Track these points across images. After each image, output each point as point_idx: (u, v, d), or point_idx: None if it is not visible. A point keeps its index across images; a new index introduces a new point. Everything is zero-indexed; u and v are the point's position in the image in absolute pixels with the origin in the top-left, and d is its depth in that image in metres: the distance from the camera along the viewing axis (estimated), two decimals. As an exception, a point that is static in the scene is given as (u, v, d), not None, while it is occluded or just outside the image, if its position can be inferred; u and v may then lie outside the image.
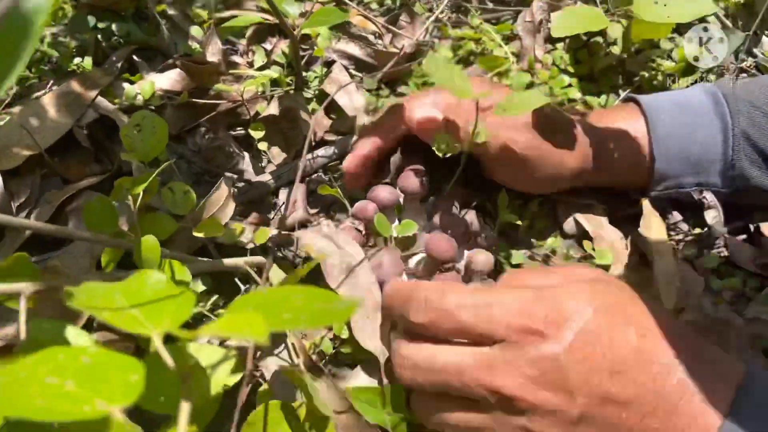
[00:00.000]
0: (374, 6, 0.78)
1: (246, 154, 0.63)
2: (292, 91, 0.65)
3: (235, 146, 0.63)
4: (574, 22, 0.46)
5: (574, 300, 0.37)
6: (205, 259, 0.49)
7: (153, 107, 0.62)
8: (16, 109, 0.60)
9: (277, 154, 0.63)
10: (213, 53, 0.68)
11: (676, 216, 0.56)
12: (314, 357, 0.49)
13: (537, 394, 0.35)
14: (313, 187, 0.61)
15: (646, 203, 0.55)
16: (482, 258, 0.49)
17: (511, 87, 0.67)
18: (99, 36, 0.67)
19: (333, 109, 0.65)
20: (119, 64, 0.66)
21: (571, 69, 0.69)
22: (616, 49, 0.68)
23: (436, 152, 0.50)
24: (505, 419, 0.36)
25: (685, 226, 0.57)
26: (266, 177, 0.60)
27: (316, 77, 0.68)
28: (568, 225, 0.58)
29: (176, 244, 0.52)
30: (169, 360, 0.21)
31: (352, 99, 0.64)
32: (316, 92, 0.67)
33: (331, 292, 0.28)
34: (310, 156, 0.61)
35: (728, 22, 0.72)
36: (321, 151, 0.62)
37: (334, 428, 0.38)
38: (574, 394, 0.35)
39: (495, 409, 0.36)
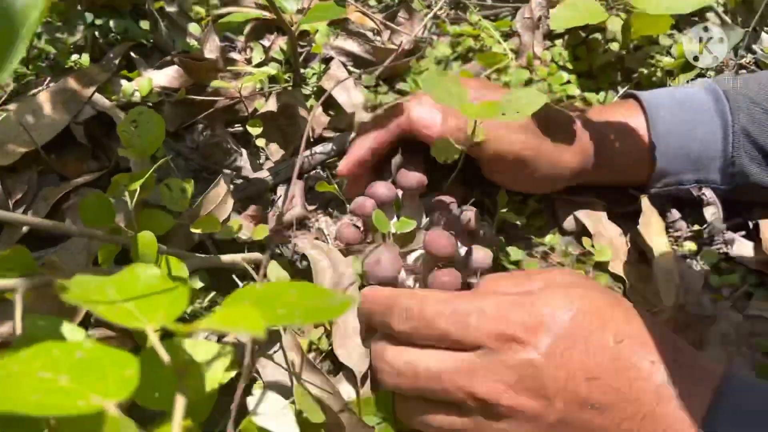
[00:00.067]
0: (372, 2, 0.78)
1: (244, 151, 0.63)
2: (290, 88, 0.65)
3: (232, 143, 0.63)
4: (573, 14, 0.46)
5: (551, 306, 0.37)
6: (203, 255, 0.49)
7: (150, 104, 0.62)
8: (13, 106, 0.60)
9: (275, 151, 0.63)
10: (211, 50, 0.68)
11: (675, 213, 0.56)
12: (311, 355, 0.49)
13: (515, 400, 0.35)
14: (311, 183, 0.61)
15: (644, 200, 0.55)
16: (481, 255, 0.49)
17: (509, 84, 0.67)
18: (96, 33, 0.67)
19: (331, 105, 0.65)
20: (117, 61, 0.65)
21: (569, 66, 0.69)
22: (614, 46, 0.68)
23: (437, 159, 0.49)
24: (486, 423, 0.37)
25: (684, 224, 0.56)
26: (264, 174, 0.60)
27: (314, 74, 0.68)
28: (568, 222, 0.58)
29: (173, 241, 0.52)
30: (164, 355, 0.21)
31: (351, 96, 0.64)
32: (315, 89, 0.67)
33: (325, 288, 0.28)
34: (308, 153, 0.61)
35: (727, 19, 0.72)
36: (319, 148, 0.61)
37: None
38: (552, 399, 0.35)
39: (476, 414, 0.37)
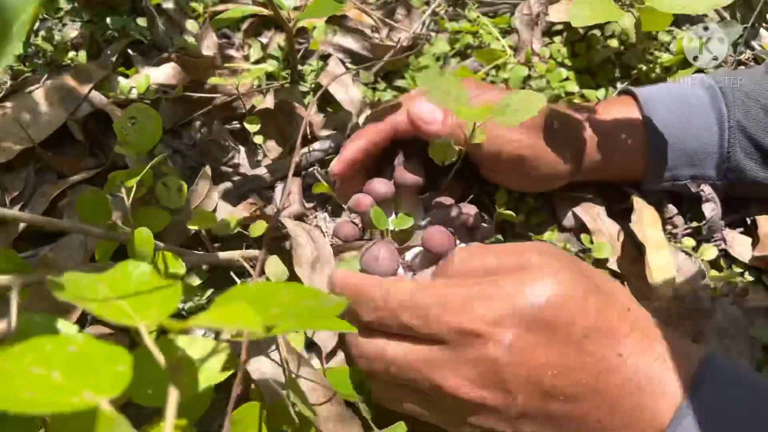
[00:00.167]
0: (371, -1, 0.78)
1: (242, 148, 0.63)
2: (287, 85, 0.64)
3: (230, 140, 0.62)
4: (592, 13, 0.46)
5: (516, 299, 0.36)
6: (200, 252, 0.49)
7: (148, 101, 0.62)
8: (9, 103, 0.59)
9: (273, 148, 0.63)
10: (208, 47, 0.68)
11: (672, 209, 0.56)
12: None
13: (477, 393, 0.35)
14: (309, 181, 0.61)
15: (636, 198, 0.55)
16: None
17: (508, 80, 0.66)
18: (93, 30, 0.67)
19: (330, 102, 0.65)
20: (114, 58, 0.65)
21: (568, 62, 0.69)
22: (613, 42, 0.68)
23: (434, 161, 0.49)
24: (453, 413, 0.37)
25: (681, 219, 0.56)
26: (262, 171, 0.60)
27: (312, 71, 0.68)
28: (567, 219, 0.58)
29: (170, 238, 0.52)
30: (156, 351, 0.21)
31: (349, 92, 0.64)
32: (313, 86, 0.67)
33: (319, 290, 0.27)
34: (305, 150, 0.61)
35: (726, 15, 0.71)
36: (317, 145, 0.61)
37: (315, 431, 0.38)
38: (514, 393, 0.35)
39: (444, 404, 0.37)
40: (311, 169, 0.61)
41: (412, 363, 0.37)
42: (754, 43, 0.71)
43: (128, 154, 0.49)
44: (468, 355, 0.35)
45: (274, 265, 0.48)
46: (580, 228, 0.57)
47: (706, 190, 0.54)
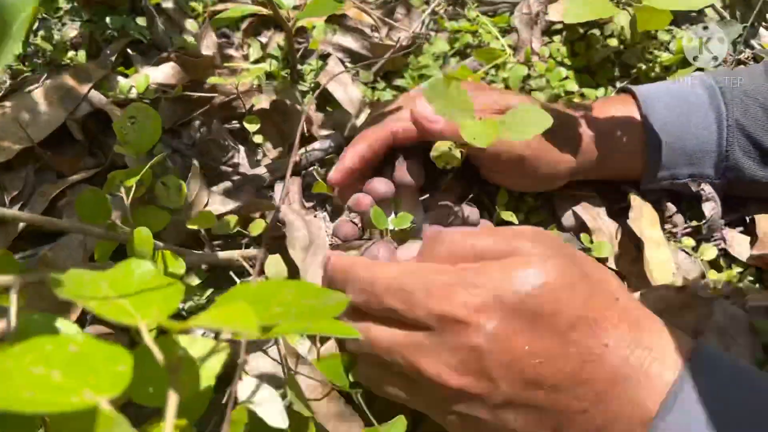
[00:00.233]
0: (370, -1, 0.78)
1: (241, 148, 0.63)
2: (282, 83, 0.64)
3: (230, 139, 0.62)
4: (585, 9, 0.46)
5: (502, 286, 0.35)
6: (199, 251, 0.49)
7: (147, 101, 0.62)
8: (9, 103, 0.59)
9: (273, 148, 0.63)
10: (208, 46, 0.68)
11: (672, 208, 0.56)
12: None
13: (459, 381, 0.35)
14: (309, 180, 0.61)
15: (633, 196, 0.55)
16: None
17: (508, 80, 0.66)
18: (93, 29, 0.67)
19: (329, 102, 0.65)
20: (113, 58, 0.65)
21: (568, 61, 0.69)
22: (613, 42, 0.68)
23: (437, 165, 0.49)
24: (436, 400, 0.37)
25: (681, 217, 0.56)
26: (261, 170, 0.60)
27: (311, 70, 0.68)
28: (567, 218, 0.58)
29: (169, 238, 0.52)
30: (156, 351, 0.21)
31: (348, 92, 0.64)
32: (312, 85, 0.67)
33: (321, 288, 0.27)
34: (304, 150, 0.61)
35: (726, 14, 0.71)
36: (317, 144, 0.61)
37: (314, 428, 0.38)
38: (497, 381, 0.34)
39: (427, 389, 0.37)
40: (311, 168, 0.61)
41: (395, 347, 0.37)
42: (753, 42, 0.71)
43: (127, 153, 0.49)
44: (450, 342, 0.35)
45: (274, 264, 0.48)
46: (580, 227, 0.57)
47: (707, 189, 0.54)
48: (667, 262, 0.50)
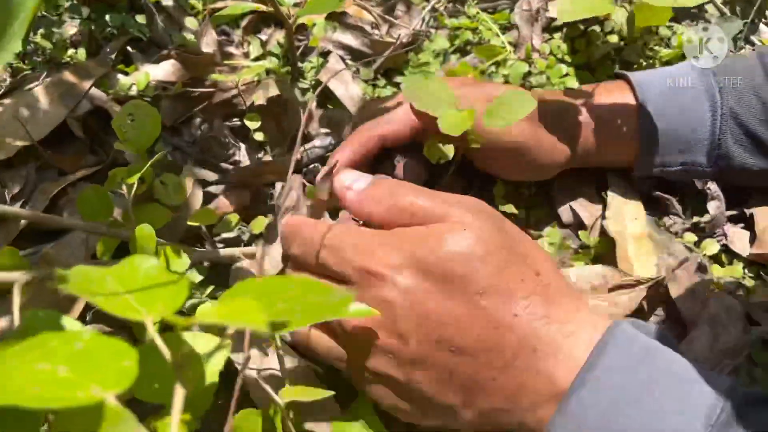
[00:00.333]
0: (370, -4, 0.78)
1: (242, 145, 0.62)
2: (276, 79, 0.64)
3: (231, 137, 0.62)
4: (578, 7, 0.45)
5: (419, 246, 0.36)
6: (201, 249, 0.49)
7: (148, 98, 0.62)
8: (9, 100, 0.59)
9: (273, 145, 0.63)
10: (208, 44, 0.68)
11: (672, 200, 0.56)
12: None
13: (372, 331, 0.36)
14: (310, 177, 0.61)
15: (611, 194, 0.56)
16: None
17: (508, 77, 0.66)
18: (93, 27, 0.67)
19: (330, 99, 0.65)
20: (113, 56, 0.65)
21: (568, 58, 0.69)
22: (613, 38, 0.68)
23: (430, 160, 0.49)
24: (354, 354, 0.38)
25: (679, 207, 0.56)
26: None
27: (312, 68, 0.68)
28: (565, 214, 0.58)
29: (169, 235, 0.52)
30: (162, 347, 0.21)
31: (348, 89, 0.64)
32: (313, 83, 0.66)
33: (328, 284, 0.27)
34: (304, 147, 0.61)
35: (726, 11, 0.71)
36: (317, 142, 0.61)
37: None
38: (406, 337, 0.35)
39: (347, 343, 0.38)
40: (312, 166, 0.61)
41: None
42: (753, 39, 0.71)
43: (128, 150, 0.49)
44: (367, 294, 0.36)
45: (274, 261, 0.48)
46: (579, 224, 0.57)
47: (713, 188, 0.54)
48: (647, 255, 0.50)
